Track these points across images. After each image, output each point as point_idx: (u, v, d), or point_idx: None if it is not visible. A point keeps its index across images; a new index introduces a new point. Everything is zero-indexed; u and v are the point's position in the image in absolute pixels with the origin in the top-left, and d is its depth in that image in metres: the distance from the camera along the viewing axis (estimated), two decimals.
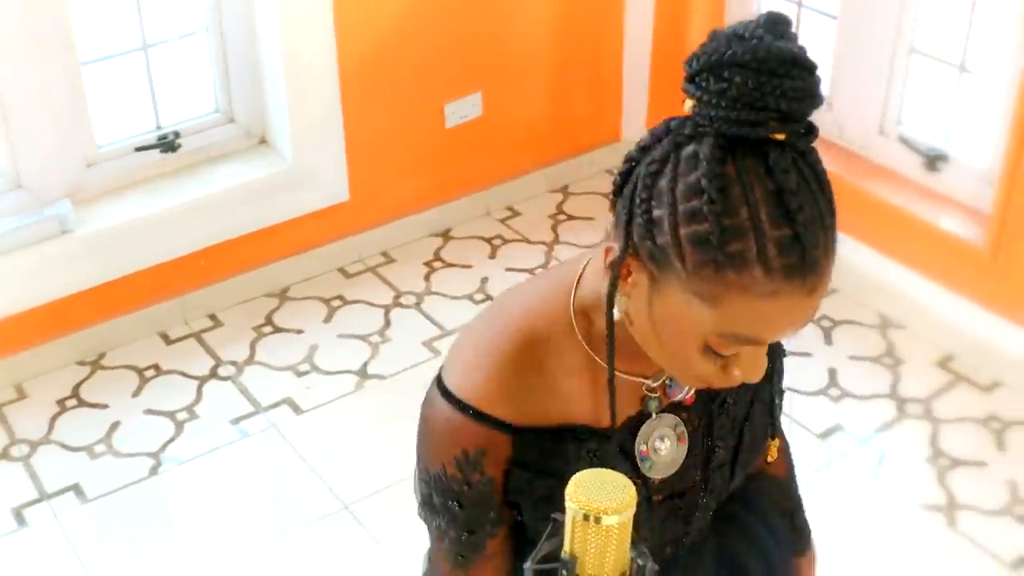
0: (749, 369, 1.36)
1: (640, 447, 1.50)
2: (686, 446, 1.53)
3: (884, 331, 3.77)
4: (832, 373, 3.61)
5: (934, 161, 3.70)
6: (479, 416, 1.44)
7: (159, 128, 3.74)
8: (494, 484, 1.47)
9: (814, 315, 1.30)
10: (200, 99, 3.85)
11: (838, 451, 3.37)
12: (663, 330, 1.34)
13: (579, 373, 1.46)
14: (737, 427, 1.58)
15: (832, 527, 3.01)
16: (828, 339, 3.74)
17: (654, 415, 1.50)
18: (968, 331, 3.63)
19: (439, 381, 1.49)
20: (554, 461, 1.46)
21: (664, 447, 1.51)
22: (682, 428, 1.52)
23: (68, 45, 3.46)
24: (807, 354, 3.66)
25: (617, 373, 1.42)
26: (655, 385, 1.49)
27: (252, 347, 3.76)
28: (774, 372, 1.61)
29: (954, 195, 3.68)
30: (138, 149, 3.69)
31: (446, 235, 4.26)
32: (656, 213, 1.27)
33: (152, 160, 3.73)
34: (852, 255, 3.69)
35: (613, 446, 1.48)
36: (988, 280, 3.55)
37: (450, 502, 1.49)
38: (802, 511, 1.85)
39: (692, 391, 1.52)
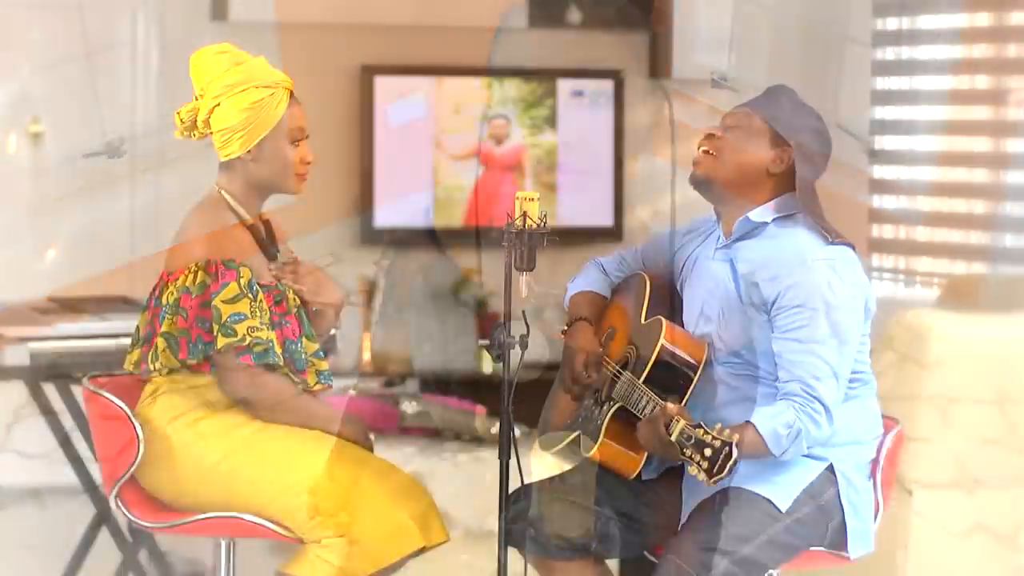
0: None
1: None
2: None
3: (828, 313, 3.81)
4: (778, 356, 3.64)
5: (874, 149, 3.76)
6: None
7: (105, 134, 3.74)
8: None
9: None
10: (144, 105, 3.85)
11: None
12: None
13: None
14: None
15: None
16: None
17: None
18: (912, 311, 3.68)
19: None
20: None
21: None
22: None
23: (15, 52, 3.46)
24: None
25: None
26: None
27: None
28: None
29: (894, 181, 3.74)
30: (86, 156, 3.69)
31: (392, 233, 4.27)
32: None
33: (100, 166, 3.72)
34: None
35: None
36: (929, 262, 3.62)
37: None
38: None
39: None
